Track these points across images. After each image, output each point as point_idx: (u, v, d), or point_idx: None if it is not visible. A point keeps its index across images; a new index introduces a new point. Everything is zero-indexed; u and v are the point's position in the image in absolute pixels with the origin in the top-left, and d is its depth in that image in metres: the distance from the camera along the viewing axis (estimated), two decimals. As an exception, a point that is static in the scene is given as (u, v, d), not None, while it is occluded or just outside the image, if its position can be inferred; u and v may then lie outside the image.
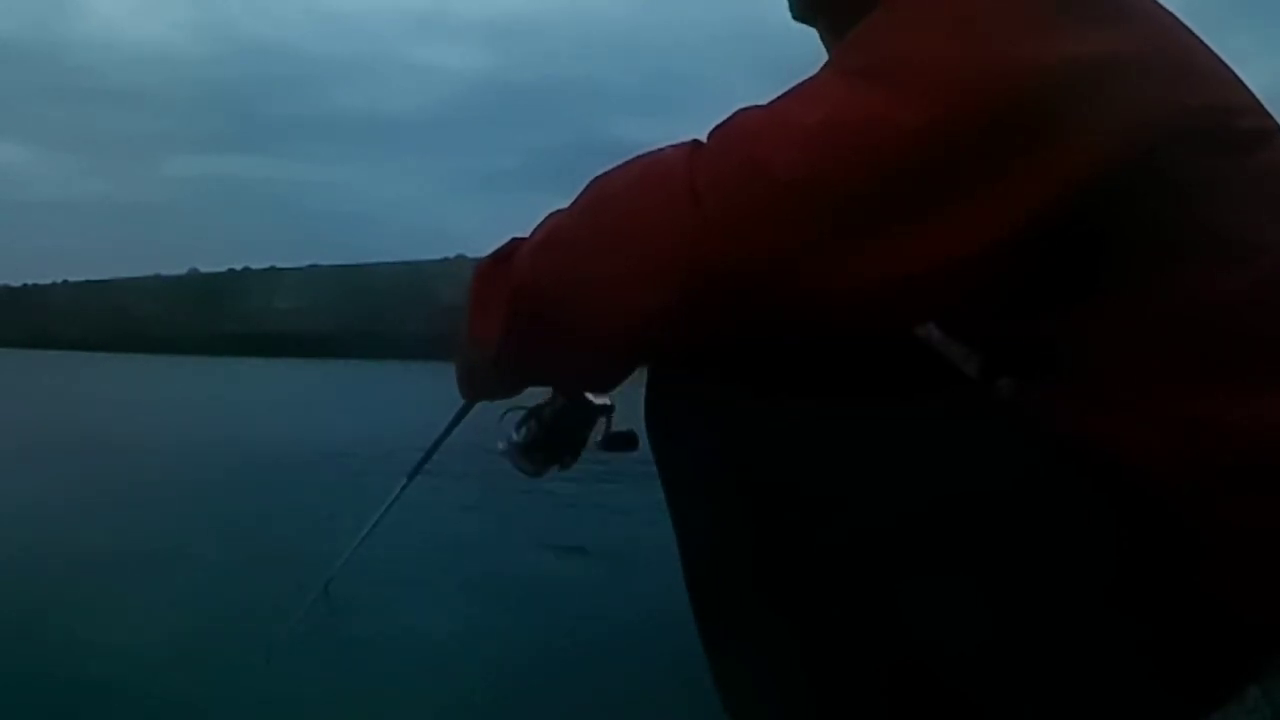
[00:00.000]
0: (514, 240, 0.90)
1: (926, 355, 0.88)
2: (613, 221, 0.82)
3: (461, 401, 1.09)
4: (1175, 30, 0.86)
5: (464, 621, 2.48)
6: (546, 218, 0.87)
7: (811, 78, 0.82)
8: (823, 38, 0.99)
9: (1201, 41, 0.87)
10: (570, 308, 0.83)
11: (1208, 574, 0.77)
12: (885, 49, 0.80)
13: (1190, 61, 0.85)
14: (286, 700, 1.85)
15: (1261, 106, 0.87)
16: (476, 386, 1.03)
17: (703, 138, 0.82)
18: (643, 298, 0.79)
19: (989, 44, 0.77)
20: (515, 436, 1.12)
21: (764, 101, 0.83)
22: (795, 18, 1.01)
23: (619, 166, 0.85)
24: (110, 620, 2.38)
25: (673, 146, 0.82)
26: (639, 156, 0.85)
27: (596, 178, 0.86)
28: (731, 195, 0.76)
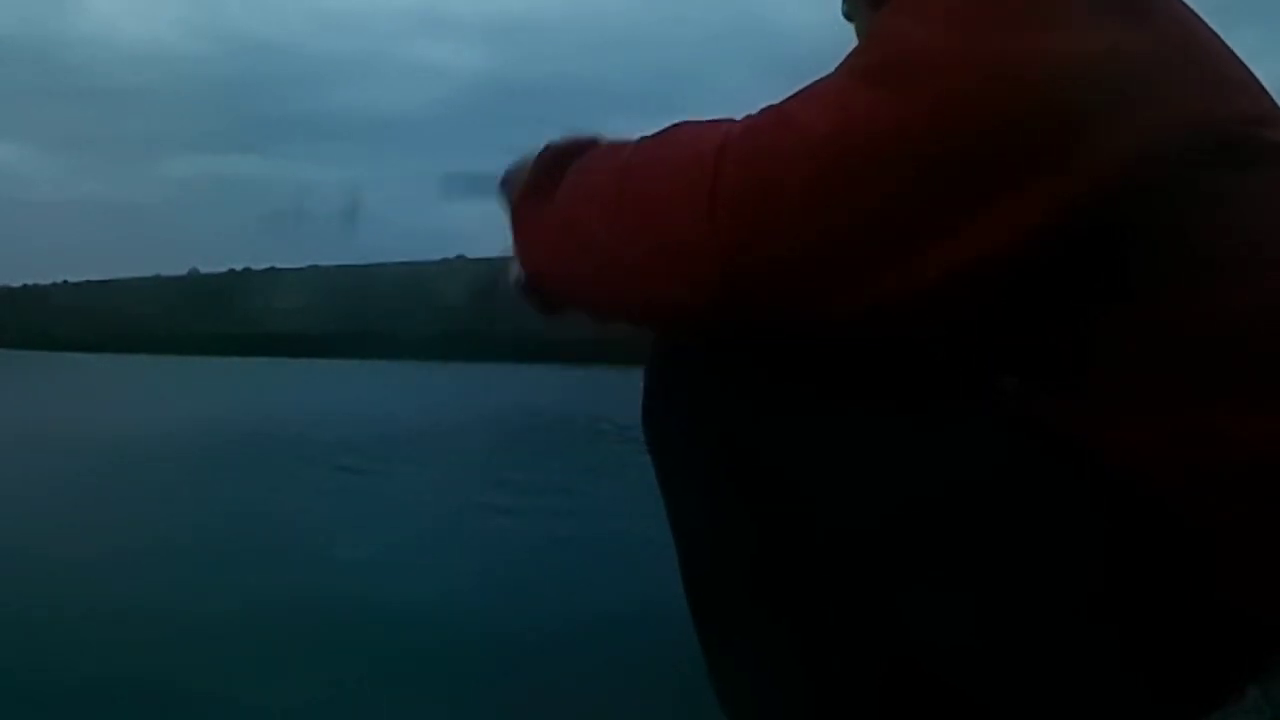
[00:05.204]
0: (549, 155, 0.91)
1: (929, 353, 0.88)
2: (634, 220, 0.82)
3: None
4: (1204, 34, 0.84)
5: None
6: (583, 169, 0.88)
7: (826, 78, 0.81)
8: (859, 34, 0.99)
9: (1229, 48, 0.85)
10: (588, 302, 0.88)
11: (1207, 574, 0.77)
12: (895, 48, 0.78)
13: (1219, 68, 0.83)
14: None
15: None
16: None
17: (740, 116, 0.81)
18: (662, 293, 0.80)
19: (1001, 40, 0.75)
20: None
21: (766, 99, 0.83)
22: (844, 15, 1.00)
23: (657, 142, 0.84)
24: (107, 618, 2.38)
25: (710, 130, 0.81)
26: (679, 134, 0.84)
27: (635, 148, 0.85)
28: (744, 213, 0.76)
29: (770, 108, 0.81)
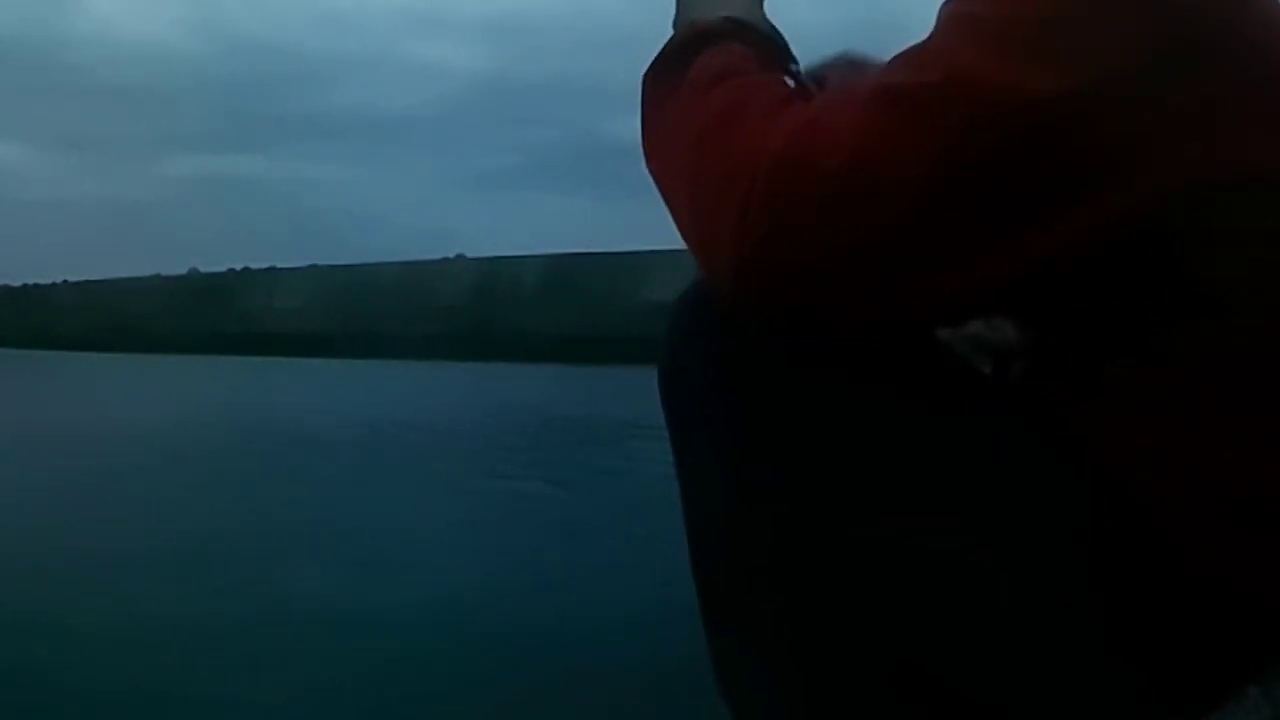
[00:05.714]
0: (689, 35, 0.92)
1: (935, 346, 0.88)
2: (694, 197, 0.84)
3: None
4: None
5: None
6: (692, 90, 0.87)
7: (864, 83, 0.79)
8: None
9: None
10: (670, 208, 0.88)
11: (1206, 574, 0.77)
12: (938, 72, 0.76)
13: None
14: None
15: None
16: None
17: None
18: (704, 265, 0.82)
19: (1044, 70, 0.73)
20: None
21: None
22: None
23: (737, 110, 0.83)
24: (108, 619, 2.38)
25: (774, 117, 0.80)
26: (750, 110, 0.82)
27: (722, 104, 0.84)
28: (766, 226, 0.76)
29: (815, 105, 0.81)
